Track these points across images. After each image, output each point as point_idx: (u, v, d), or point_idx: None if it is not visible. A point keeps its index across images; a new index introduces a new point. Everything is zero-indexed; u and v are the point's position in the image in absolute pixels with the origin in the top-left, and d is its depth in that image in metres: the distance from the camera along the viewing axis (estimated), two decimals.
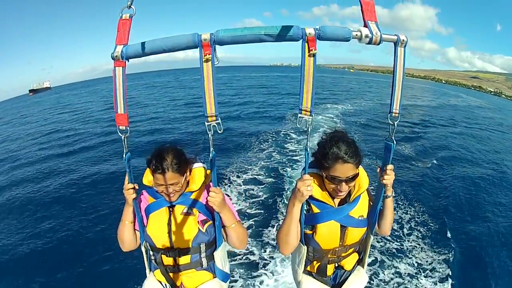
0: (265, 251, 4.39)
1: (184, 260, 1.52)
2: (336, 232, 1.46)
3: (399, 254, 4.56)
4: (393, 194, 1.44)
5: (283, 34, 1.00)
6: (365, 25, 1.02)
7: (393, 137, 1.20)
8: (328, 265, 1.58)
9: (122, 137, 1.17)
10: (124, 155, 1.22)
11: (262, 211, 5.58)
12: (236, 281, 3.78)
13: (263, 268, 4.04)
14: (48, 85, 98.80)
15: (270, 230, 4.96)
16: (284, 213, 1.53)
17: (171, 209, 1.50)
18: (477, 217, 5.99)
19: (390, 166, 1.29)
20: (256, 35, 1.01)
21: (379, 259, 4.42)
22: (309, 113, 1.09)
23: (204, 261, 1.54)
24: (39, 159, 9.73)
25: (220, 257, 1.54)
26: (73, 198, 6.42)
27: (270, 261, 4.15)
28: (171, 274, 1.55)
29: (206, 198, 1.39)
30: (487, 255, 4.80)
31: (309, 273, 1.63)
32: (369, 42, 1.01)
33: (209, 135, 1.11)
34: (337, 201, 1.47)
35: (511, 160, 10.44)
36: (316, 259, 1.57)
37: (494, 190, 7.41)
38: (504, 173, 8.84)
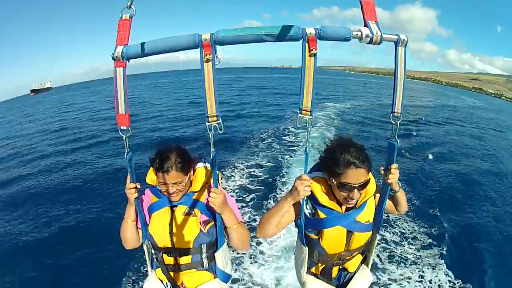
0: (271, 247, 4.27)
1: (185, 260, 1.52)
2: (342, 237, 1.44)
3: (394, 249, 4.56)
4: (401, 185, 1.45)
5: (284, 34, 1.00)
6: (366, 25, 1.01)
7: (396, 136, 1.20)
8: (332, 268, 1.57)
9: (124, 137, 1.18)
10: (125, 155, 1.23)
11: (262, 189, 6.15)
12: (237, 280, 3.73)
13: (264, 266, 3.98)
14: (50, 85, 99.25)
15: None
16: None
17: (173, 209, 1.49)
18: (471, 209, 6.10)
19: (394, 165, 1.29)
20: (257, 35, 1.01)
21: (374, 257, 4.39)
22: (309, 113, 1.09)
23: (205, 261, 1.54)
24: (46, 154, 9.79)
25: (221, 257, 1.54)
26: (80, 191, 6.48)
27: (273, 260, 4.08)
28: (171, 273, 1.55)
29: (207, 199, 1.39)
30: (482, 246, 4.88)
31: (313, 275, 1.62)
32: (370, 42, 1.01)
33: (210, 135, 1.11)
34: (344, 207, 1.44)
35: (505, 157, 10.70)
36: (320, 262, 1.56)
37: (487, 183, 7.58)
38: (498, 167, 9.07)
